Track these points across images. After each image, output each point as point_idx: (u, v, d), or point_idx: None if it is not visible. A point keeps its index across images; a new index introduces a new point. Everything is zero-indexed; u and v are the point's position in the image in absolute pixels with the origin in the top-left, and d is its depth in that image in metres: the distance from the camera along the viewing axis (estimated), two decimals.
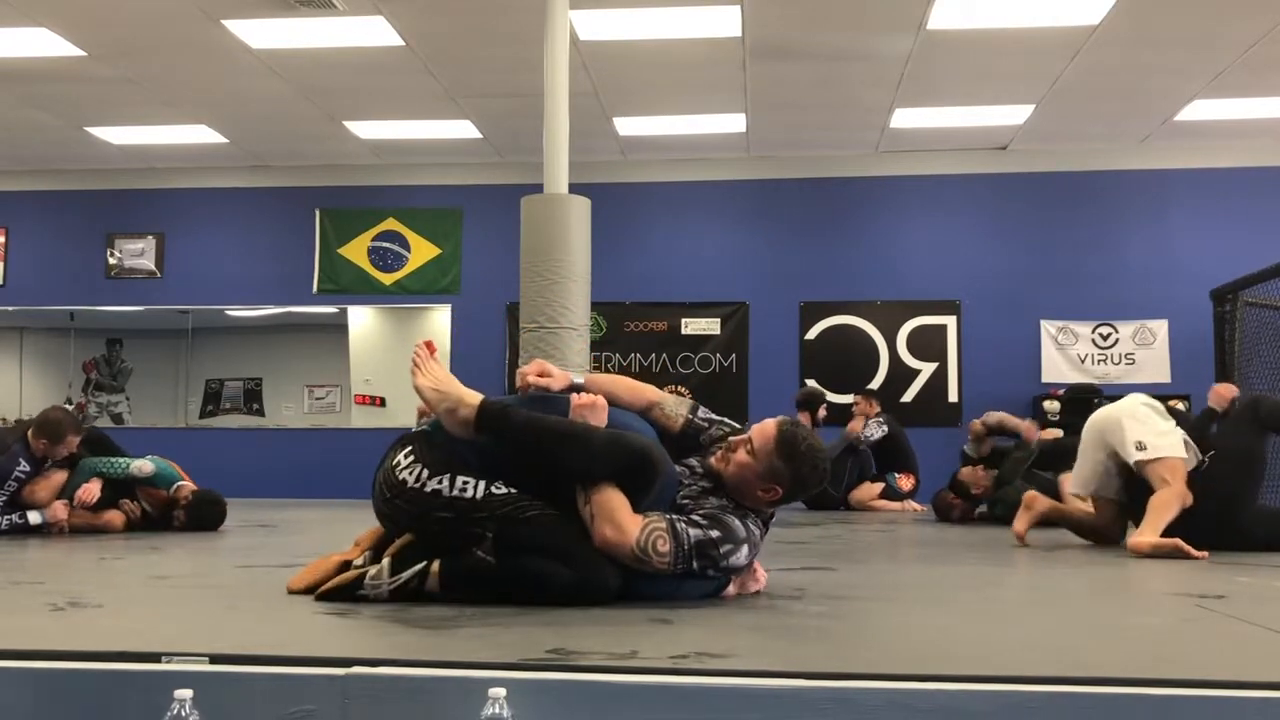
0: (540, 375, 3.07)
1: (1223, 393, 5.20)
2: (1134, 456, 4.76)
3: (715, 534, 2.82)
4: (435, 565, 2.80)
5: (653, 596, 2.83)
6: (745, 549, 2.88)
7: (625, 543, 2.73)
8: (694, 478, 3.02)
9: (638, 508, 2.78)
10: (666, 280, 10.95)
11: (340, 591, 2.84)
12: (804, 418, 9.08)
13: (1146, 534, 4.52)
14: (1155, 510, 4.57)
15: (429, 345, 3.01)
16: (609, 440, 2.82)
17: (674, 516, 2.82)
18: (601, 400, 2.94)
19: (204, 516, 5.93)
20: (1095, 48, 8.09)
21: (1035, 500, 5.18)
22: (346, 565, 2.94)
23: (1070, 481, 5.24)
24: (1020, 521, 5.09)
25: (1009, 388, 10.46)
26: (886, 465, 8.99)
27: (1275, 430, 4.99)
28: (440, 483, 2.81)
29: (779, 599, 2.98)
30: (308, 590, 2.94)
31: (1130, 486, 4.92)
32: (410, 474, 2.85)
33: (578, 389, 3.07)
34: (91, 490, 5.72)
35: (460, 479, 2.80)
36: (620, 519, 2.73)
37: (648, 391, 3.20)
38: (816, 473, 2.95)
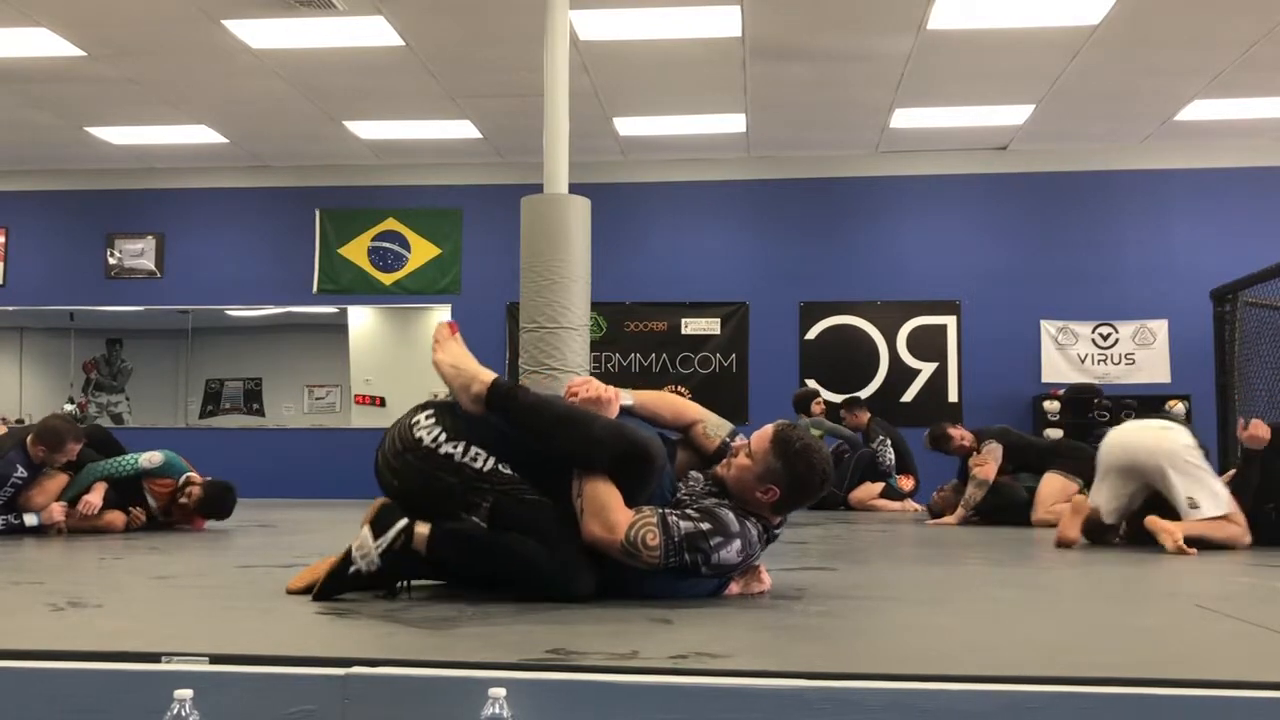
0: (587, 396, 3.00)
1: (1259, 434, 4.98)
2: (1188, 515, 4.68)
3: (706, 526, 2.81)
4: (423, 527, 2.84)
5: (652, 595, 2.84)
6: (738, 543, 2.85)
7: (614, 539, 2.74)
8: (706, 484, 3.04)
9: (632, 501, 2.79)
10: (666, 280, 10.95)
11: (332, 579, 2.84)
12: (817, 408, 9.27)
13: (1182, 529, 4.58)
14: (1204, 530, 4.61)
15: (451, 326, 3.11)
16: (609, 428, 2.87)
17: (666, 510, 2.83)
18: (608, 395, 2.97)
19: (216, 501, 6.00)
20: (1095, 48, 8.09)
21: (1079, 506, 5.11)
22: None
23: (1099, 502, 5.04)
24: (1073, 529, 4.98)
25: (1009, 388, 10.48)
26: (887, 473, 8.98)
27: None
28: (455, 448, 2.88)
29: (779, 599, 2.98)
30: (307, 590, 2.94)
31: (1155, 504, 4.86)
32: (428, 434, 2.91)
33: (625, 409, 3.11)
34: (93, 503, 5.72)
35: (474, 449, 2.88)
36: (609, 515, 2.75)
37: (691, 410, 3.23)
38: (813, 471, 2.92)
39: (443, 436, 2.89)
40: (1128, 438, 5.05)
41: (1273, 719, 1.78)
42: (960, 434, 7.37)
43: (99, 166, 11.37)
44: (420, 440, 2.90)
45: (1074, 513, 4.99)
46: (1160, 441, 4.87)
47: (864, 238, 10.88)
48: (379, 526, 2.84)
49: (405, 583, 2.94)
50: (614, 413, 2.97)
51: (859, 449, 9.01)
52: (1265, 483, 4.87)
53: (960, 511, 6.91)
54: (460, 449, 2.87)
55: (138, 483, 5.97)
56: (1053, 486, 6.64)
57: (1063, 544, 4.95)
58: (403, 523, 2.83)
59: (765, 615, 2.72)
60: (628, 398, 3.17)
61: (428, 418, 2.95)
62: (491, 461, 2.86)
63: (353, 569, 2.83)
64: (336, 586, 2.85)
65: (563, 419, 2.90)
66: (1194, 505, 4.68)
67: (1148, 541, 4.72)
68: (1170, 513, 4.75)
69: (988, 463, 6.90)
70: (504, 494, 2.83)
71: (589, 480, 2.80)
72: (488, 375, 2.96)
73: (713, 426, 3.19)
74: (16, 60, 8.42)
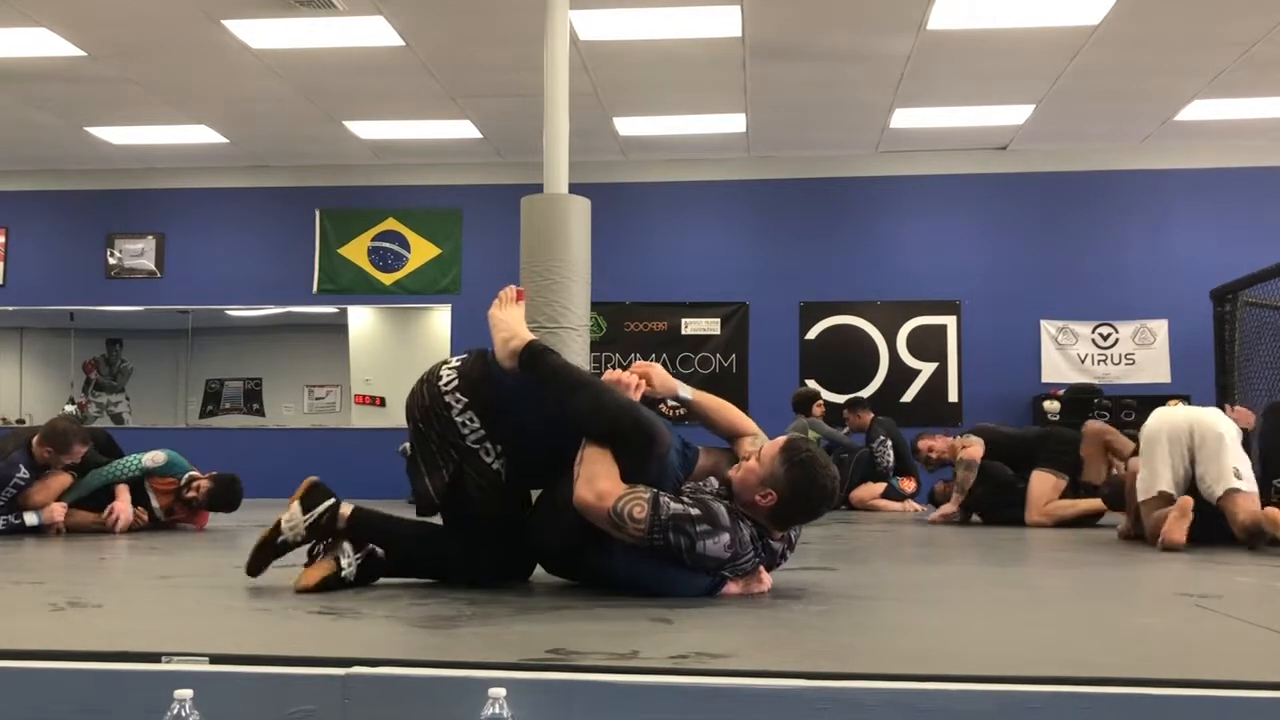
0: (610, 376, 3.12)
1: (1249, 414, 5.33)
2: (1230, 483, 4.73)
3: (695, 512, 2.82)
4: (346, 507, 3.10)
5: (645, 590, 2.84)
6: (725, 538, 2.84)
7: (602, 506, 2.77)
8: (719, 487, 3.06)
9: (629, 479, 2.83)
10: (666, 280, 10.95)
11: (263, 549, 3.07)
12: (817, 410, 9.23)
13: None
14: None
15: (519, 292, 3.28)
16: (620, 402, 2.96)
17: (660, 491, 2.84)
18: (629, 380, 3.05)
19: (225, 493, 6.06)
20: (1095, 48, 8.09)
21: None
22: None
23: (1162, 482, 4.92)
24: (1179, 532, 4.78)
25: (1009, 388, 10.47)
26: (885, 474, 8.97)
27: None
28: (457, 401, 3.03)
29: (779, 599, 2.98)
30: (312, 589, 3.03)
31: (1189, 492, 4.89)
32: (448, 374, 3.09)
33: (682, 401, 3.25)
34: (124, 509, 5.75)
35: (470, 414, 3.01)
36: (600, 483, 2.80)
37: (746, 425, 3.28)
38: (813, 485, 2.91)
39: (456, 384, 3.05)
40: (1183, 410, 5.17)
41: (1273, 719, 1.78)
42: (928, 445, 7.43)
43: (99, 166, 11.37)
44: (440, 378, 3.09)
45: (1181, 515, 4.76)
46: (1218, 416, 5.06)
47: (864, 238, 10.88)
48: (308, 503, 3.08)
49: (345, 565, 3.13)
50: (635, 397, 3.05)
51: (854, 454, 8.98)
52: (1271, 458, 5.01)
53: (956, 497, 6.84)
54: (460, 406, 3.02)
55: (140, 483, 5.99)
56: (1043, 486, 6.61)
57: (1171, 547, 4.69)
58: (329, 502, 3.07)
59: (765, 615, 2.72)
60: (686, 391, 3.25)
61: (459, 360, 3.14)
62: (478, 435, 3.00)
63: (280, 539, 3.07)
64: (267, 557, 3.09)
65: (580, 385, 3.02)
66: (1239, 475, 4.79)
67: (1215, 541, 4.74)
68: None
69: (970, 445, 6.83)
70: (463, 470, 3.00)
71: (589, 448, 2.87)
72: (528, 334, 3.11)
73: (761, 442, 3.21)
74: (16, 60, 8.42)
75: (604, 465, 2.83)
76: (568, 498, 2.86)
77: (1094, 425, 6.61)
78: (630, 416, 2.91)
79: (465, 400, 3.01)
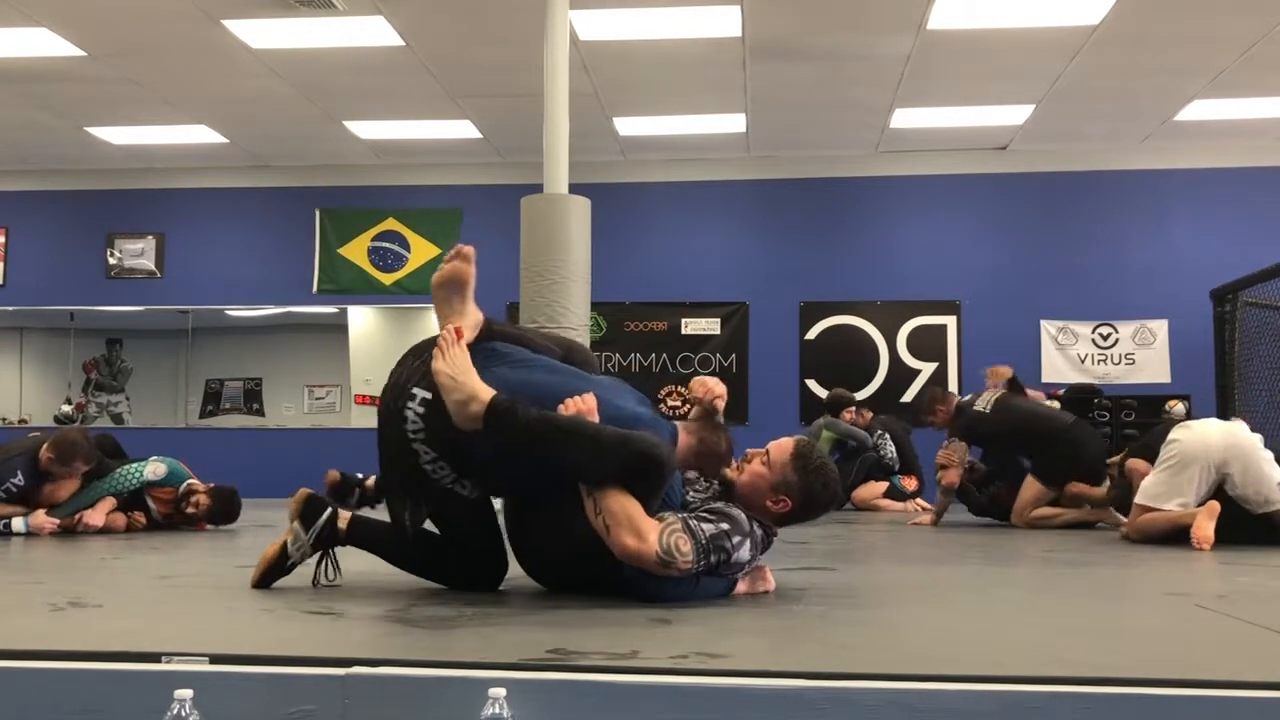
0: (584, 409, 2.91)
1: None
2: (1277, 502, 4.87)
3: (725, 526, 2.82)
4: (345, 515, 3.14)
5: (673, 598, 2.80)
6: (749, 543, 2.87)
7: (648, 550, 2.67)
8: (713, 488, 3.06)
9: (648, 509, 2.75)
10: (666, 280, 10.95)
11: (273, 569, 3.10)
12: (846, 415, 9.15)
13: None
14: None
15: (458, 331, 2.97)
16: (618, 439, 2.75)
17: (684, 514, 2.82)
18: (592, 402, 2.87)
19: (224, 508, 6.06)
20: (1095, 48, 8.09)
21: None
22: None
23: (1184, 500, 5.01)
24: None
25: None
26: (890, 468, 8.95)
27: None
28: (426, 452, 2.90)
29: (779, 599, 2.98)
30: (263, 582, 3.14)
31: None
32: (413, 418, 2.89)
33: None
34: (93, 521, 5.73)
35: (441, 464, 2.92)
36: (640, 525, 2.68)
37: None
38: (827, 491, 2.98)
39: (421, 433, 2.89)
40: (1216, 431, 5.17)
41: (1273, 719, 1.78)
42: (940, 416, 7.38)
43: (99, 166, 11.36)
44: (404, 417, 2.89)
45: (1209, 516, 4.87)
46: (1247, 432, 5.17)
47: (864, 238, 10.88)
48: (307, 519, 3.10)
49: (326, 569, 3.16)
50: (595, 418, 2.86)
51: (866, 447, 8.97)
52: None
53: (932, 516, 6.91)
54: (430, 455, 2.91)
55: (139, 491, 5.99)
56: (1031, 492, 6.63)
57: (1205, 543, 4.79)
58: (327, 512, 3.10)
59: (765, 615, 2.72)
60: None
61: (420, 408, 2.88)
62: (452, 477, 2.95)
63: (290, 562, 3.11)
64: (273, 577, 3.13)
65: (567, 433, 2.77)
66: None
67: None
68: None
69: (951, 464, 6.74)
70: (444, 506, 3.03)
71: (605, 494, 2.71)
72: (486, 394, 2.78)
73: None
74: (16, 60, 8.42)
75: (630, 505, 2.69)
76: (569, 523, 2.80)
77: (1074, 488, 6.63)
78: (634, 448, 2.73)
79: (434, 453, 2.89)
